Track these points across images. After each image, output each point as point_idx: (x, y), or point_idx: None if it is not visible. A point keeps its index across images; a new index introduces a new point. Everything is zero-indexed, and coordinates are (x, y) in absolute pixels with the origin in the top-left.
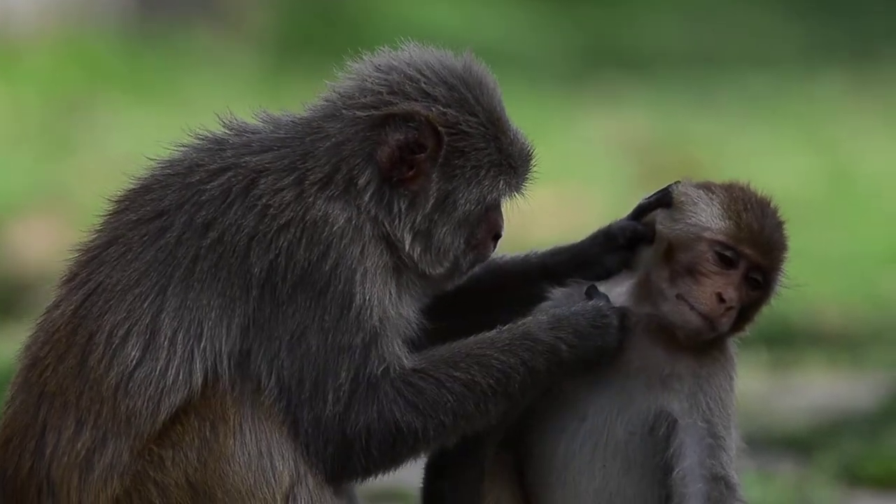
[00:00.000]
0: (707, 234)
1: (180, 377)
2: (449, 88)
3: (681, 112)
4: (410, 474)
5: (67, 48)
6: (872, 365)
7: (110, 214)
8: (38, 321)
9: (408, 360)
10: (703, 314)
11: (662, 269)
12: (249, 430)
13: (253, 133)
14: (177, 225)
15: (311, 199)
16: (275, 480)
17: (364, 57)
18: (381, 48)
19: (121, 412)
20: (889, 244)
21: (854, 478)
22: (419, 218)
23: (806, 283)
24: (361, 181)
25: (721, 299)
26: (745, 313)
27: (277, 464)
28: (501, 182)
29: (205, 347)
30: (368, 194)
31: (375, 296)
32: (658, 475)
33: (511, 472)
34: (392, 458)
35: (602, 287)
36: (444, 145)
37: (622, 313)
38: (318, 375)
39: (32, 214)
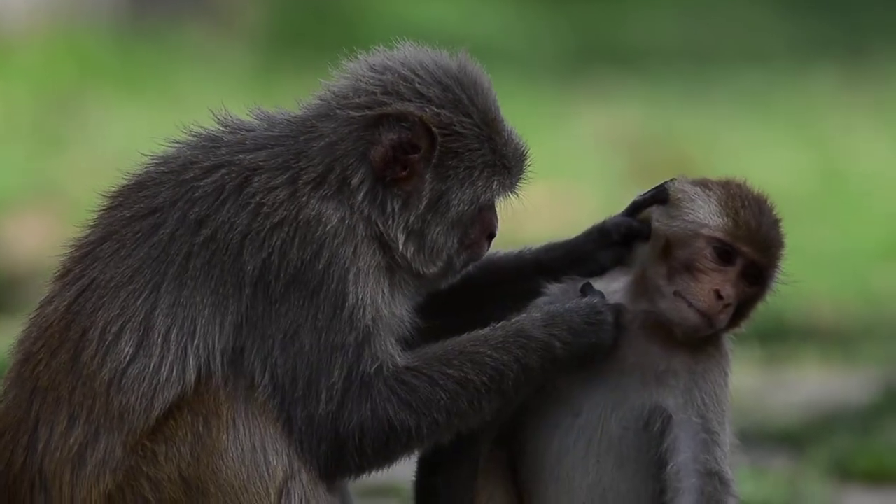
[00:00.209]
0: (705, 231)
1: (174, 374)
2: (443, 89)
3: (673, 108)
4: (403, 469)
5: (59, 44)
6: (865, 361)
7: (104, 210)
8: (31, 316)
9: (401, 359)
10: (700, 311)
11: (660, 266)
12: (243, 425)
13: (247, 130)
14: (170, 222)
15: (304, 199)
16: (268, 475)
17: (359, 56)
18: (377, 47)
19: (114, 408)
20: (881, 240)
21: (846, 472)
22: (412, 218)
23: (800, 279)
24: (355, 181)
25: (719, 296)
26: (741, 310)
27: (271, 458)
28: (495, 182)
29: (198, 345)
30: (362, 194)
31: (368, 295)
32: (652, 470)
33: (504, 469)
34: (386, 456)
35: (597, 284)
36: (438, 146)
37: (617, 310)
38: (311, 374)
39: (25, 210)
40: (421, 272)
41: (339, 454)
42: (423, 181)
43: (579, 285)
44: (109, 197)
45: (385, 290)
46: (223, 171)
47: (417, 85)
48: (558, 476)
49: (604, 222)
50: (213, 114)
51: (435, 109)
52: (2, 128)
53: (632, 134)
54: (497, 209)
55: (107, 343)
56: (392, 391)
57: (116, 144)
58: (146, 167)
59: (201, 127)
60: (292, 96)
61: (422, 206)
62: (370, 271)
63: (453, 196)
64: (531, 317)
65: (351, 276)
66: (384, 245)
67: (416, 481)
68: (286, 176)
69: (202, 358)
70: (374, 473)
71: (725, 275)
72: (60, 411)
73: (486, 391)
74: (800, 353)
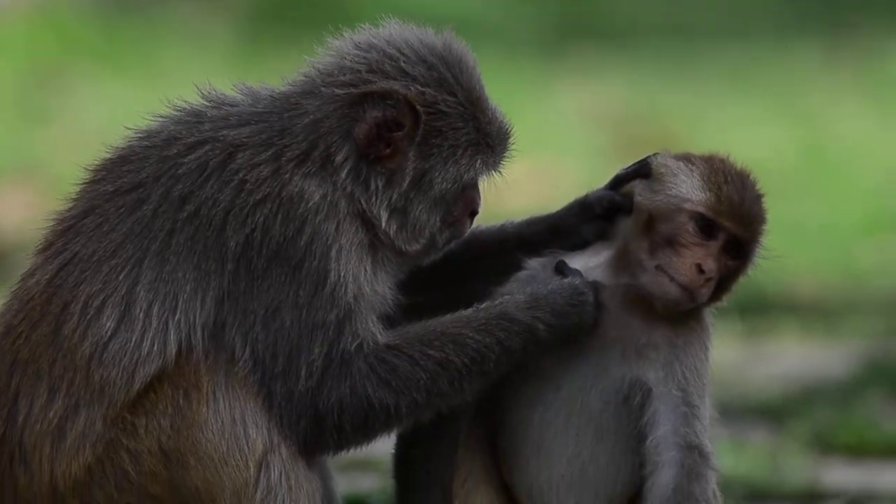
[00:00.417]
0: (687, 206)
1: (155, 348)
2: (428, 68)
3: (656, 83)
4: (382, 444)
5: (42, 19)
6: (846, 334)
7: (87, 184)
8: (13, 289)
9: (382, 337)
10: (682, 285)
11: (642, 240)
12: (223, 397)
13: (231, 106)
14: (153, 197)
15: (287, 176)
16: (248, 448)
17: (344, 33)
18: (362, 25)
19: (94, 381)
20: (863, 215)
21: (826, 446)
22: (395, 196)
23: (781, 253)
24: (339, 158)
25: (700, 270)
26: (722, 284)
27: (251, 431)
28: (479, 161)
29: (179, 320)
30: (345, 171)
31: (350, 272)
32: (632, 443)
33: (483, 443)
34: (365, 434)
35: (578, 258)
36: (422, 124)
37: (595, 288)
38: (291, 350)
39: (8, 185)
40: (403, 249)
41: (318, 431)
42: (407, 159)
43: (559, 259)
44: (92, 171)
45: (367, 268)
46: (207, 147)
47: (402, 63)
48: (538, 449)
49: (586, 196)
50: (197, 89)
51: (419, 88)
52: None
53: (614, 109)
54: (480, 187)
55: (88, 317)
56: (372, 369)
57: (99, 119)
58: (129, 141)
59: (185, 102)
60: (276, 72)
61: (405, 184)
62: (352, 248)
63: (436, 174)
64: (515, 299)
65: (333, 253)
66: (367, 222)
67: (395, 455)
68: (270, 153)
69: (183, 332)
70: (352, 451)
71: (707, 249)
72: (40, 384)
73: (467, 372)
74: (781, 327)
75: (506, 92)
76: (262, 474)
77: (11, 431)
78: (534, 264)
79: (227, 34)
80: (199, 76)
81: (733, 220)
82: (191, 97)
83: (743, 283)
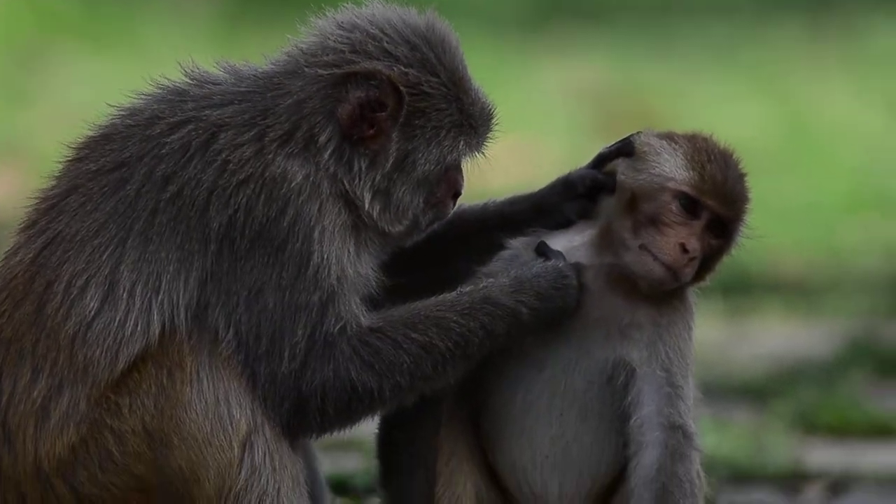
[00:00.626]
0: (671, 185)
1: (138, 328)
2: (411, 48)
3: (637, 60)
4: (366, 424)
5: None
6: (829, 314)
7: (70, 162)
8: None
9: (365, 319)
10: (666, 264)
11: (625, 220)
12: (207, 377)
13: (214, 84)
14: (136, 177)
15: (270, 156)
16: (232, 428)
17: (327, 13)
18: (345, 4)
19: (78, 361)
20: (846, 193)
21: (810, 426)
22: (378, 177)
23: (764, 232)
24: (322, 139)
25: (684, 249)
26: (706, 263)
27: (235, 412)
28: (462, 142)
29: (162, 300)
30: (328, 152)
31: (333, 254)
32: (616, 424)
33: (467, 424)
34: (348, 416)
35: (561, 237)
36: (405, 105)
37: (577, 269)
38: (274, 332)
39: None
40: (387, 230)
41: (301, 413)
42: (390, 140)
43: (540, 240)
44: (75, 149)
45: (350, 249)
46: (190, 127)
47: (385, 44)
48: (522, 430)
49: (569, 174)
50: (181, 66)
51: (403, 69)
52: None
53: (596, 87)
54: (463, 168)
55: (72, 297)
56: (355, 352)
57: (81, 97)
58: (112, 119)
59: (168, 80)
60: (258, 49)
61: (388, 165)
62: (335, 230)
63: (420, 155)
64: (499, 283)
65: (316, 235)
66: (350, 203)
67: (379, 436)
68: (252, 133)
69: (167, 313)
70: (335, 433)
71: (691, 228)
72: (24, 364)
73: (451, 356)
74: (764, 306)
75: (488, 70)
76: (246, 454)
77: None
78: (516, 244)
79: (208, 11)
80: (181, 53)
81: (717, 198)
82: (173, 75)
83: (726, 263)
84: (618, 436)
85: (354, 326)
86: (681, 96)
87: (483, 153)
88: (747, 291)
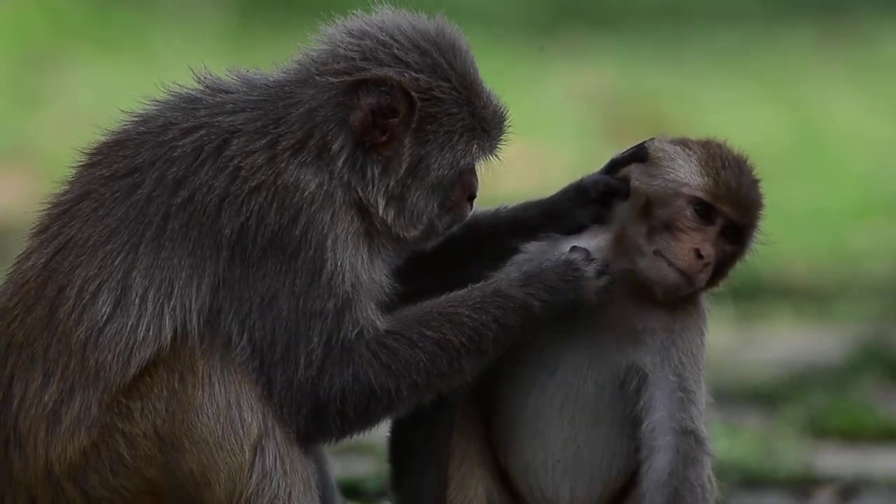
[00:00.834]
0: (686, 191)
1: (150, 333)
2: (422, 54)
3: (648, 66)
4: (377, 428)
5: (33, 1)
6: (839, 318)
7: (82, 167)
8: (8, 272)
9: (381, 322)
10: (680, 270)
11: (639, 225)
12: (218, 381)
13: (226, 93)
14: (148, 182)
15: (283, 164)
16: (243, 432)
17: (336, 20)
18: (354, 11)
19: (89, 365)
20: (856, 198)
21: (820, 430)
22: (392, 183)
23: (774, 237)
24: (335, 147)
25: (699, 255)
26: (719, 269)
27: (246, 415)
28: (475, 146)
29: (174, 306)
30: (342, 160)
31: (347, 261)
32: (627, 428)
33: (479, 427)
34: (367, 419)
35: (574, 242)
36: (417, 110)
37: (605, 265)
38: (289, 339)
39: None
40: (402, 236)
41: (320, 418)
42: (403, 146)
43: (560, 243)
44: (88, 154)
45: (364, 256)
46: (202, 132)
47: (396, 50)
48: (534, 434)
49: (581, 180)
50: (193, 73)
51: (413, 74)
52: None
53: (606, 92)
54: (477, 171)
55: (84, 301)
56: (374, 355)
57: (91, 102)
58: (126, 125)
59: (181, 86)
60: (268, 56)
61: (401, 171)
62: (348, 237)
63: (433, 160)
64: (509, 277)
65: (329, 243)
66: (363, 211)
67: (391, 439)
68: (265, 140)
69: (179, 318)
70: (354, 437)
71: (705, 234)
72: (35, 368)
73: (466, 351)
74: (774, 311)
75: (497, 75)
76: (257, 458)
77: (6, 415)
78: (531, 248)
79: (217, 17)
80: (191, 59)
81: (731, 205)
82: (182, 80)
83: (736, 268)
84: (629, 440)
85: (371, 330)
86: (690, 102)
87: (496, 156)
88: (757, 297)
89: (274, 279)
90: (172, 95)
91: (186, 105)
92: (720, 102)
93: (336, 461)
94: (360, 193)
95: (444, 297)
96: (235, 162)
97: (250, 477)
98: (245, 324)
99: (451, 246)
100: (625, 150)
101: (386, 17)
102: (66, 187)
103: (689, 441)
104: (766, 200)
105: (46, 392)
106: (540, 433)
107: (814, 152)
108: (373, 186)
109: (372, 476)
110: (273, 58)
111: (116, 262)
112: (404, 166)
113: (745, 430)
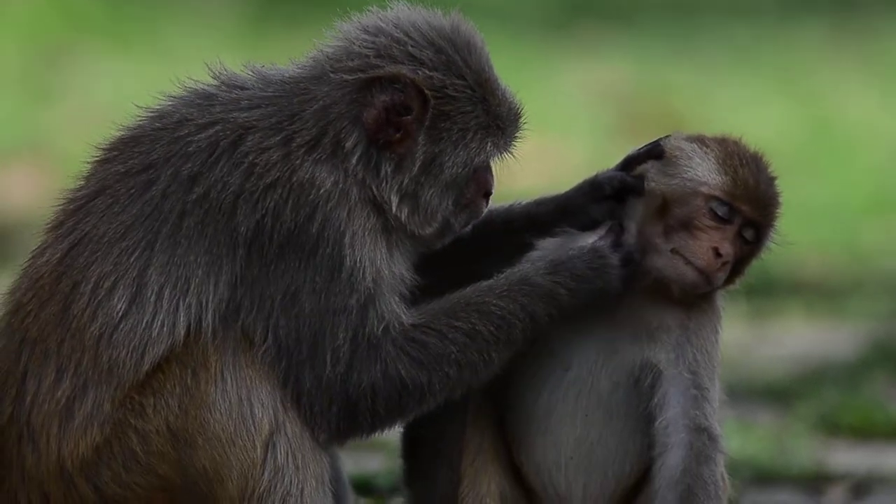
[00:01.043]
0: (704, 189)
1: (164, 329)
2: (436, 51)
3: (661, 62)
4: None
5: None
6: (852, 315)
7: (98, 163)
8: (24, 267)
9: (406, 317)
10: (699, 269)
11: (656, 224)
12: (231, 377)
13: (241, 89)
14: (163, 178)
15: (298, 161)
16: (255, 428)
17: (351, 17)
18: (369, 8)
19: (102, 362)
20: (869, 194)
21: (833, 427)
22: (406, 180)
23: (793, 239)
24: (349, 144)
25: (717, 254)
26: (736, 267)
27: (257, 411)
28: (489, 144)
29: (190, 303)
30: (355, 157)
31: (367, 256)
32: (641, 425)
33: (492, 423)
34: (399, 414)
35: (588, 238)
36: (430, 108)
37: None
38: (314, 337)
39: (14, 162)
40: (416, 233)
41: (351, 415)
42: (417, 144)
43: (574, 239)
44: (103, 150)
45: (383, 250)
46: (217, 127)
47: (410, 48)
48: (546, 430)
49: (596, 176)
50: (209, 68)
51: (427, 72)
52: None
53: (620, 88)
54: (492, 167)
55: (98, 298)
56: (402, 350)
57: (105, 97)
58: (141, 121)
59: (196, 81)
60: (282, 50)
61: (415, 169)
62: (366, 233)
63: (447, 158)
64: (535, 266)
65: (346, 240)
66: (378, 208)
67: (404, 436)
68: (279, 137)
69: (194, 314)
70: (385, 431)
71: (723, 233)
72: (48, 364)
73: (495, 341)
74: (786, 308)
75: (510, 71)
76: (268, 454)
77: (19, 411)
78: (546, 244)
79: (231, 12)
80: (205, 53)
81: (750, 203)
82: (196, 75)
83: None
84: (643, 437)
85: (397, 325)
86: (704, 98)
87: (511, 153)
88: (770, 293)
89: (294, 276)
90: (187, 91)
91: (202, 101)
92: (734, 98)
93: (348, 457)
94: (375, 191)
95: (469, 288)
96: (250, 158)
97: (262, 473)
98: (269, 322)
99: (465, 242)
100: (640, 146)
101: (401, 14)
102: (82, 183)
103: (702, 438)
104: (782, 198)
105: (59, 388)
106: (553, 430)
107: (827, 148)
108: (386, 184)
109: (384, 472)
110: (288, 53)
111: (132, 259)
112: (418, 164)
113: (757, 426)
